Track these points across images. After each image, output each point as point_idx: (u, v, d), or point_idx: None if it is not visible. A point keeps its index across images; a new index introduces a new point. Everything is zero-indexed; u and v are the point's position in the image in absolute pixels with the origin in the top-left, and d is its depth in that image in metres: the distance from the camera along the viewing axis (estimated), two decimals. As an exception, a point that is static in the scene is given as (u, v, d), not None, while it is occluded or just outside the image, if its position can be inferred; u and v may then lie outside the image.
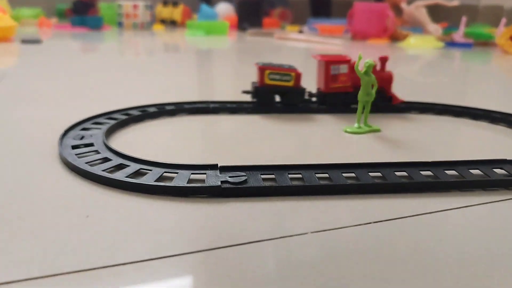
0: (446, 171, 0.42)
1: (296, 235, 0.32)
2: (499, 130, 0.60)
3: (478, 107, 0.66)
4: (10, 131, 0.53)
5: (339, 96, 0.65)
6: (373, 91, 0.57)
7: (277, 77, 0.63)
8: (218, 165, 0.41)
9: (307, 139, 0.55)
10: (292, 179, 0.40)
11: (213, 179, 0.38)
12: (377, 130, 0.57)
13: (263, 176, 0.40)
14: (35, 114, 0.61)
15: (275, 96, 0.65)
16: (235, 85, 0.92)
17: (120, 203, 0.36)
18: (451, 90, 0.92)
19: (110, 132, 0.53)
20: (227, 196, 0.37)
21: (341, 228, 0.33)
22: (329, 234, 0.32)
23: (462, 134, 0.60)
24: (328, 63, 0.64)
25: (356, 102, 0.57)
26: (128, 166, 0.41)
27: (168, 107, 0.64)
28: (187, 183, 0.38)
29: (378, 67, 0.65)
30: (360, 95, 0.57)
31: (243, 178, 0.38)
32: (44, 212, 0.34)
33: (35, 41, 1.50)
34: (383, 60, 0.66)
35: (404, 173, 0.42)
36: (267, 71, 0.63)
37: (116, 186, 0.38)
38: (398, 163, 0.43)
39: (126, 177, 0.39)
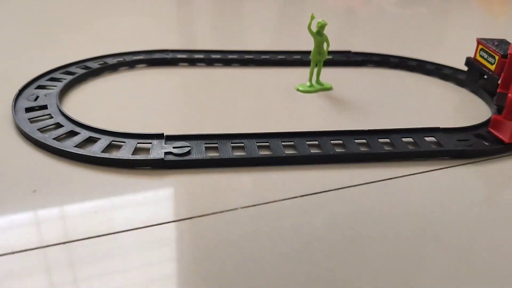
0: (380, 139, 0.45)
1: (227, 210, 0.35)
2: (450, 87, 0.63)
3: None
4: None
5: None
6: (325, 51, 0.58)
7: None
8: (164, 135, 0.43)
9: (259, 97, 0.57)
10: (234, 148, 0.43)
11: (157, 150, 0.41)
12: (329, 88, 0.60)
13: (207, 145, 0.43)
14: (-8, 65, 0.61)
15: None
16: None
17: (67, 174, 0.38)
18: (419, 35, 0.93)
19: (65, 90, 0.54)
20: (170, 168, 0.40)
21: (270, 202, 0.36)
22: (258, 209, 0.35)
23: (410, 91, 0.63)
24: None
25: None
26: (79, 133, 0.43)
27: (129, 58, 0.64)
28: (133, 153, 0.41)
29: None
30: (313, 54, 0.58)
31: (187, 149, 0.41)
32: (-5, 185, 0.36)
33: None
34: None
35: (340, 142, 0.45)
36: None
37: (65, 156, 0.40)
38: (333, 132, 0.46)
39: (75, 146, 0.41)
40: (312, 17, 0.55)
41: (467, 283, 0.30)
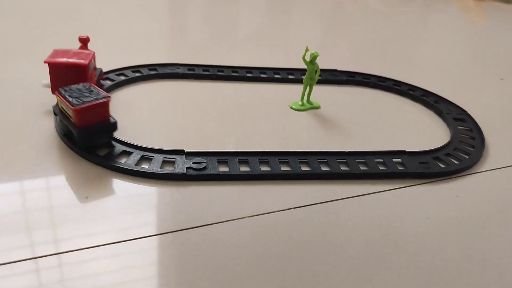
0: (357, 160, 0.56)
1: (238, 218, 0.46)
2: (427, 113, 0.74)
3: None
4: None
5: None
6: (316, 77, 0.68)
7: None
8: (185, 151, 0.53)
9: (258, 113, 0.67)
10: (241, 162, 0.53)
11: (180, 164, 0.51)
12: (317, 107, 0.70)
13: (219, 160, 0.53)
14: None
15: None
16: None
17: (111, 183, 0.48)
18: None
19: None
20: (191, 180, 0.50)
21: (270, 213, 0.47)
22: (262, 218, 0.46)
23: (385, 111, 0.74)
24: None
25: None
26: (114, 147, 0.53)
27: (145, 71, 0.74)
28: (161, 167, 0.51)
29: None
30: (305, 79, 0.69)
31: (203, 165, 0.51)
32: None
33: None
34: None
35: (325, 160, 0.56)
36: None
37: (107, 168, 0.50)
38: (320, 152, 0.56)
39: (115, 158, 0.51)
40: (307, 49, 0.65)
41: (416, 276, 0.41)
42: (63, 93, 0.51)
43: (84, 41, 0.63)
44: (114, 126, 0.52)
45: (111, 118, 0.52)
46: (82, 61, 0.57)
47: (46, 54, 0.61)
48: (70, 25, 0.97)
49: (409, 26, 1.33)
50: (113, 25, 1.01)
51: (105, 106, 0.51)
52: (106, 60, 0.76)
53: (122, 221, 0.44)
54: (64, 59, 0.57)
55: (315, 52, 0.66)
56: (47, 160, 0.51)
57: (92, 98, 0.50)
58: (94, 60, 0.62)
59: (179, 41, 0.97)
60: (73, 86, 0.52)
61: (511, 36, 1.33)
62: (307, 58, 0.67)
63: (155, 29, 1.01)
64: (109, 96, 0.51)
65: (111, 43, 0.89)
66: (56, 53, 0.59)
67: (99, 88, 0.53)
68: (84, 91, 0.51)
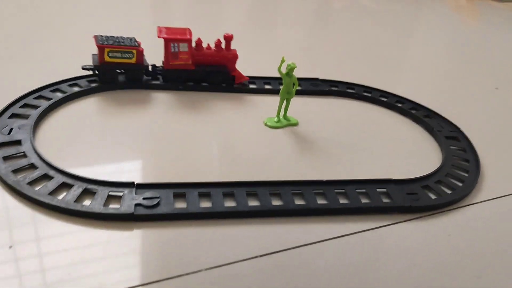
0: (336, 190, 0.49)
1: (192, 273, 0.38)
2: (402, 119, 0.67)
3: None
4: None
5: (180, 73, 0.67)
6: (293, 90, 0.61)
7: (118, 55, 0.64)
8: (135, 183, 0.45)
9: (228, 132, 0.59)
10: (202, 195, 0.46)
11: (128, 201, 0.43)
12: (295, 124, 0.63)
13: (176, 193, 0.46)
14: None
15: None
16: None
17: (42, 225, 0.41)
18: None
19: (39, 119, 0.55)
20: (140, 221, 0.42)
21: (230, 264, 0.40)
22: (220, 271, 0.39)
23: (369, 128, 0.67)
24: (168, 40, 0.65)
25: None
26: (53, 178, 0.45)
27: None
28: (105, 203, 0.43)
29: (223, 46, 0.68)
30: (281, 92, 0.61)
31: (156, 201, 0.44)
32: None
33: None
34: (228, 39, 0.68)
35: (300, 191, 0.48)
36: (107, 50, 0.63)
37: (39, 204, 0.43)
38: (294, 182, 0.49)
39: (49, 194, 0.43)
40: (283, 60, 0.58)
41: None
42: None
43: (228, 39, 0.67)
44: None
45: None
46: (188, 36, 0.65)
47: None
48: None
49: (398, 26, 1.26)
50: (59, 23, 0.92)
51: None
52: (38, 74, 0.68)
53: (52, 276, 0.36)
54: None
55: (292, 63, 0.59)
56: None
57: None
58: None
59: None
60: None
61: (505, 37, 1.27)
62: (283, 70, 0.59)
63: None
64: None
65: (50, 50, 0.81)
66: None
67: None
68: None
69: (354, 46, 1.02)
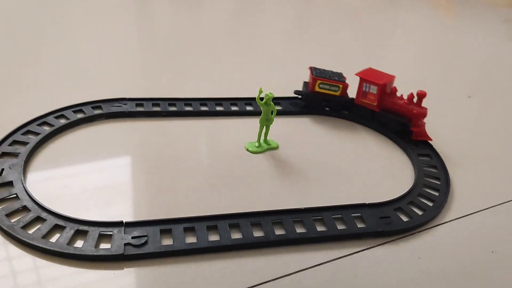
0: (314, 218, 0.52)
1: (179, 310, 0.41)
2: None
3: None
4: None
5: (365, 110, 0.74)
6: (272, 117, 0.64)
7: (327, 86, 0.74)
8: (124, 222, 0.48)
9: (211, 159, 0.62)
10: (187, 230, 0.49)
11: (118, 241, 0.46)
12: (275, 148, 0.66)
13: (162, 229, 0.48)
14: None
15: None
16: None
17: (35, 269, 0.43)
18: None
19: (29, 156, 0.58)
20: (130, 260, 0.45)
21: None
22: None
23: (347, 148, 0.70)
24: (362, 80, 0.73)
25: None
26: (45, 220, 0.48)
27: (88, 110, 0.68)
28: (96, 243, 0.46)
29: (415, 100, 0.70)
30: (261, 120, 0.64)
31: (144, 240, 0.47)
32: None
33: None
34: (420, 96, 0.69)
35: (279, 221, 0.51)
36: (319, 81, 0.73)
37: (33, 248, 0.45)
38: (274, 212, 0.52)
39: (43, 237, 0.46)
40: (260, 91, 0.61)
41: None
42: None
43: (420, 96, 0.69)
44: None
45: None
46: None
47: None
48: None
49: (376, 26, 1.29)
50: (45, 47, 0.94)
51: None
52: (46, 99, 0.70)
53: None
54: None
55: (270, 93, 0.62)
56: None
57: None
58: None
59: (124, 65, 0.91)
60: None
61: (482, 36, 1.30)
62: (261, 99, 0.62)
63: (94, 51, 0.95)
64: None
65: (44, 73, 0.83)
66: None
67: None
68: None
69: (329, 55, 1.04)
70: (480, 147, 0.73)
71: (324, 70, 0.76)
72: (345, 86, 0.74)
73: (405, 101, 0.71)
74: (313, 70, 0.75)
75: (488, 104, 0.89)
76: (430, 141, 0.69)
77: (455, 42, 1.25)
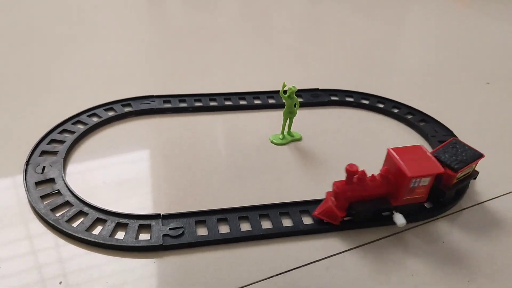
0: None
1: (217, 295, 0.44)
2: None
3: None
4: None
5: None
6: (296, 109, 0.66)
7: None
8: (161, 215, 0.51)
9: (237, 151, 0.65)
10: (220, 221, 0.52)
11: (156, 232, 0.49)
12: (299, 139, 0.68)
13: (198, 219, 0.51)
14: None
15: None
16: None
17: (84, 259, 0.47)
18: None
19: (67, 154, 0.61)
20: (168, 250, 0.48)
21: (250, 285, 0.45)
22: (241, 291, 0.45)
23: (368, 138, 0.72)
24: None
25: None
26: (87, 214, 0.51)
27: (119, 108, 0.71)
28: (136, 235, 0.49)
29: None
30: (284, 112, 0.66)
31: (181, 231, 0.50)
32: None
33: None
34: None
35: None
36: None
37: (79, 240, 0.49)
38: (300, 202, 0.55)
39: (87, 230, 0.49)
40: (284, 85, 0.63)
41: None
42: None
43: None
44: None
45: None
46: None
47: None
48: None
49: (389, 18, 1.29)
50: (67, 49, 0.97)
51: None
52: (76, 101, 0.74)
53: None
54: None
55: (293, 86, 0.64)
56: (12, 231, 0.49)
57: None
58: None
59: (150, 64, 0.94)
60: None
61: (499, 23, 1.30)
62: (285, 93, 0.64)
63: (121, 52, 0.98)
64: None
65: (71, 75, 0.86)
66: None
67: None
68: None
69: (347, 46, 1.06)
70: (499, 134, 0.74)
71: (447, 148, 0.57)
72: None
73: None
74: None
75: (507, 91, 0.89)
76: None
77: (473, 30, 1.25)
